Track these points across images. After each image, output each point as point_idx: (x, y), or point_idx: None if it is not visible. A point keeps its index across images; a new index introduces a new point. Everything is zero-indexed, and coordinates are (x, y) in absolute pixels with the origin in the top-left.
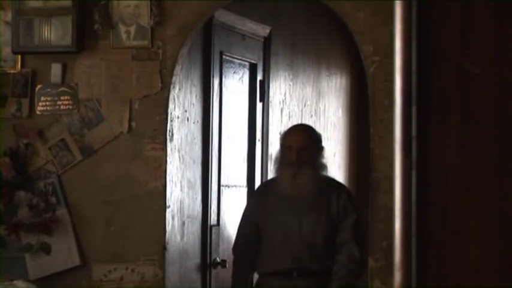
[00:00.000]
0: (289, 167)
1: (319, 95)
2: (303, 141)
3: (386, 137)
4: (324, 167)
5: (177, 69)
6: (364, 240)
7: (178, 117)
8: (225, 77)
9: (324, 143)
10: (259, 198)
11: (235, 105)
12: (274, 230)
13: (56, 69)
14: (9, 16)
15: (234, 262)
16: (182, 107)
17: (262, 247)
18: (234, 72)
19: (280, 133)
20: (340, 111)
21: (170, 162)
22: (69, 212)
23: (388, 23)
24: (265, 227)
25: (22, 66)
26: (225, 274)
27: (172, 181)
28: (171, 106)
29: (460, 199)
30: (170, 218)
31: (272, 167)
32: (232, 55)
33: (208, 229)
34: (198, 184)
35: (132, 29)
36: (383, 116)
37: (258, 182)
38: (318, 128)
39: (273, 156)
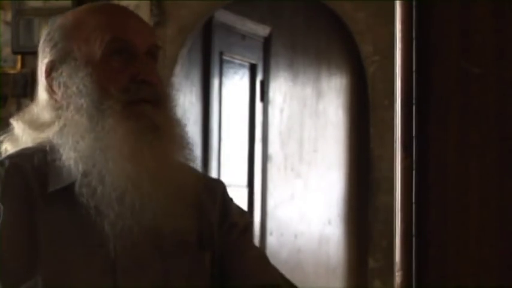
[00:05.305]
0: (138, 115)
1: (319, 95)
2: (152, 40)
3: (386, 137)
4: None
5: (177, 69)
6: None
7: None
8: (225, 77)
9: None
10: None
11: (235, 105)
12: None
13: None
14: (9, 16)
15: None
16: (182, 107)
17: None
18: (234, 73)
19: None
20: (340, 111)
21: None
22: None
23: (388, 23)
24: None
25: (22, 66)
26: None
27: None
28: None
29: (460, 199)
30: None
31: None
32: (232, 55)
33: None
34: None
35: None
36: (383, 116)
37: (258, 182)
38: (318, 128)
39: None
